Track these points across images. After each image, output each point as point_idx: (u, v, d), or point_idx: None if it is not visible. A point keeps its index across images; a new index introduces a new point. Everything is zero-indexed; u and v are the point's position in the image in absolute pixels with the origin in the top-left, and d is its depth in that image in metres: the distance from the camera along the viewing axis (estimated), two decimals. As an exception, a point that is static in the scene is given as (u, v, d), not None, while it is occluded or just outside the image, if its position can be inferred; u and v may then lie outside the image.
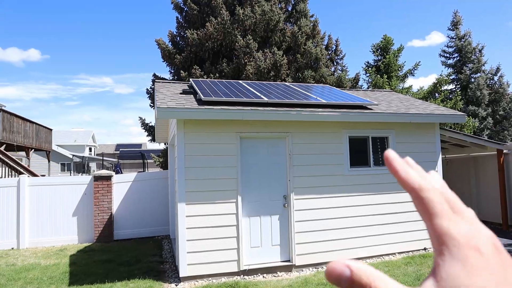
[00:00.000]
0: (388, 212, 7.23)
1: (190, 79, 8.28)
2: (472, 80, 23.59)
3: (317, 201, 6.76)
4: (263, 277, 6.21)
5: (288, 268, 6.45)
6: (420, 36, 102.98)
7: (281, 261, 6.52)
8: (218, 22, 14.05)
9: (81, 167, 33.41)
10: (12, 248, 8.90)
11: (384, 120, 7.13)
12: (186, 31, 14.57)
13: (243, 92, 7.11)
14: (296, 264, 6.51)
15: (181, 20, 15.98)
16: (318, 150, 6.87)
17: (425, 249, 7.42)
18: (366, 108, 7.29)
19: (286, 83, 9.26)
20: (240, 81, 8.71)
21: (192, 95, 7.05)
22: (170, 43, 15.45)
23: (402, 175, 0.38)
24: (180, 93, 7.22)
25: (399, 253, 7.25)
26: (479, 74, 23.69)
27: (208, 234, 6.08)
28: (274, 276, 6.27)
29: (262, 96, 6.84)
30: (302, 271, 6.49)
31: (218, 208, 6.18)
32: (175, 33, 15.79)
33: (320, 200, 6.78)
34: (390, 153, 0.40)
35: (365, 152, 7.28)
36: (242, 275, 6.17)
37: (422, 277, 5.78)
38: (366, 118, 6.91)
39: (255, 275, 6.23)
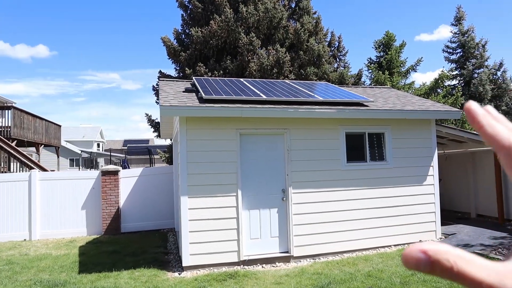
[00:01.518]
0: (384, 206, 7.48)
1: (193, 77, 8.58)
2: (475, 75, 23.64)
3: (315, 195, 7.03)
4: (262, 267, 6.52)
5: (286, 259, 6.75)
6: (428, 30, 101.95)
7: (279, 252, 6.82)
8: (222, 19, 14.30)
9: (89, 162, 33.98)
10: (25, 240, 9.32)
11: (379, 116, 7.37)
12: (191, 29, 14.85)
13: (243, 90, 7.39)
14: (294, 255, 6.80)
15: (186, 17, 16.25)
16: (316, 145, 7.13)
17: (420, 241, 7.67)
18: (362, 105, 7.53)
19: (286, 81, 9.51)
20: (241, 79, 8.99)
21: (194, 93, 7.34)
22: (175, 40, 15.73)
23: (489, 131, 0.34)
24: (183, 91, 7.52)
25: (395, 245, 7.51)
26: (482, 70, 23.73)
27: (210, 226, 6.40)
28: (273, 266, 6.57)
29: (261, 94, 7.11)
30: (300, 261, 6.79)
31: (219, 201, 6.49)
32: (180, 30, 16.08)
33: (317, 194, 7.05)
34: (472, 105, 0.35)
35: (362, 147, 7.53)
36: (242, 265, 6.48)
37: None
38: (362, 115, 7.16)
39: (254, 265, 6.54)
